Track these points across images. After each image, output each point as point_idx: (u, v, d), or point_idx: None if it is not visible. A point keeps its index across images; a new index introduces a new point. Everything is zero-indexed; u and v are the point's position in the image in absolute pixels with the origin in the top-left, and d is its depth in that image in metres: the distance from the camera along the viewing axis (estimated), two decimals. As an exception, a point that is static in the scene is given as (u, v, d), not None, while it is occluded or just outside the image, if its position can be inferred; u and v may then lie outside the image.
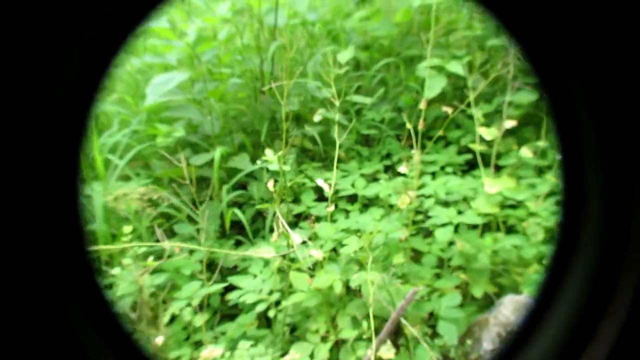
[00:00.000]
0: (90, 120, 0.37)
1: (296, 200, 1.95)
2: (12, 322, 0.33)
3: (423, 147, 2.35)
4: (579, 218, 0.39)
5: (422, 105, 1.48)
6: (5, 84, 0.30)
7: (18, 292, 0.33)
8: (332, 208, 1.24)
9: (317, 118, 2.10)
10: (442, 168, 2.09)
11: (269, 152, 1.14)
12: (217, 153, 1.61)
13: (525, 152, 1.45)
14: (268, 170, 1.37)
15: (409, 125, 1.65)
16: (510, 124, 1.52)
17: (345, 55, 2.28)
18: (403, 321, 1.00)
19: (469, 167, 2.07)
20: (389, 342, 0.94)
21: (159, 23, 2.05)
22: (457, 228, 1.63)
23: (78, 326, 0.37)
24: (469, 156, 2.02)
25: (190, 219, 1.64)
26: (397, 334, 1.03)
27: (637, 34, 0.32)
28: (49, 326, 0.35)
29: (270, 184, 1.10)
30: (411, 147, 2.39)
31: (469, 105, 1.86)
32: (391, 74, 2.46)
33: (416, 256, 1.56)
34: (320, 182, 1.23)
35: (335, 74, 2.27)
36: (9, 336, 0.33)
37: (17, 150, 0.32)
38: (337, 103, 1.46)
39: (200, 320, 1.03)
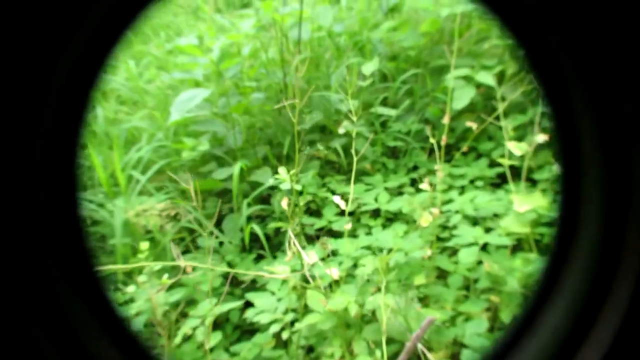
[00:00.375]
0: (85, 121, 0.36)
1: (319, 214, 1.93)
2: (14, 326, 0.33)
3: (451, 159, 2.27)
4: (578, 208, 0.39)
5: (446, 120, 1.42)
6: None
7: (17, 293, 0.33)
8: (349, 225, 1.20)
9: (341, 130, 2.07)
10: (472, 182, 2.00)
11: (281, 170, 1.12)
12: (236, 167, 1.62)
13: (549, 164, 1.35)
14: (280, 190, 1.36)
15: (432, 140, 1.60)
16: (542, 137, 1.44)
17: (370, 66, 2.25)
18: (423, 349, 0.94)
19: (502, 181, 1.97)
20: (406, 371, 0.89)
21: (189, 40, 2.12)
22: (485, 247, 1.55)
23: (81, 325, 0.37)
24: (501, 169, 1.93)
25: (213, 233, 1.65)
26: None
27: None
28: (50, 326, 0.35)
29: (284, 203, 1.08)
30: (444, 161, 2.32)
31: (498, 117, 1.78)
32: (418, 85, 2.41)
33: (442, 275, 1.49)
34: (336, 199, 1.20)
35: (358, 86, 2.25)
36: (11, 338, 0.33)
37: (12, 156, 0.32)
38: (354, 118, 1.44)
39: (214, 339, 1.03)
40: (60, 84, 0.33)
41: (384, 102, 2.40)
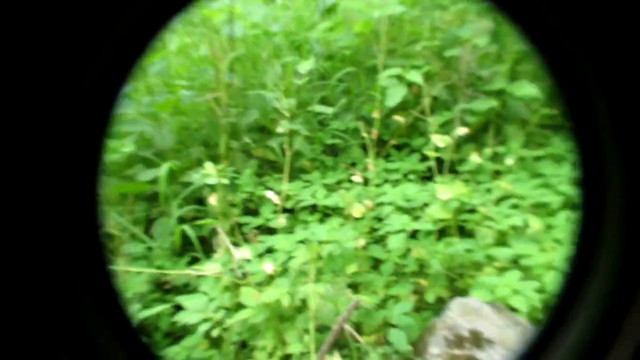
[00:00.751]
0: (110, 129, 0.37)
1: (256, 213, 1.92)
2: (26, 325, 0.33)
3: (387, 155, 2.36)
4: (597, 227, 0.38)
5: (376, 114, 1.48)
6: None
7: (30, 290, 0.33)
8: (283, 220, 1.21)
9: (280, 129, 2.08)
10: (405, 175, 2.09)
11: (208, 165, 1.10)
12: (164, 167, 1.56)
13: (475, 158, 1.46)
14: (209, 185, 1.33)
15: (365, 135, 1.65)
16: (463, 131, 1.54)
17: (306, 65, 2.28)
18: (352, 332, 0.97)
19: (432, 174, 2.08)
20: (336, 354, 0.91)
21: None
22: (415, 235, 1.63)
23: (91, 326, 0.37)
24: (431, 163, 2.03)
25: (137, 237, 1.57)
26: (347, 345, 1.00)
27: None
28: (63, 327, 0.35)
29: (213, 199, 1.06)
30: (377, 155, 2.40)
31: (428, 113, 1.88)
32: (354, 84, 2.48)
33: (376, 265, 1.54)
34: (270, 194, 1.20)
35: (295, 84, 2.27)
36: (24, 338, 0.33)
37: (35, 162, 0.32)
38: (288, 115, 1.45)
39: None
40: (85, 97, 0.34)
41: (322, 101, 2.44)
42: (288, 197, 1.93)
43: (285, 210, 1.91)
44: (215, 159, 2.11)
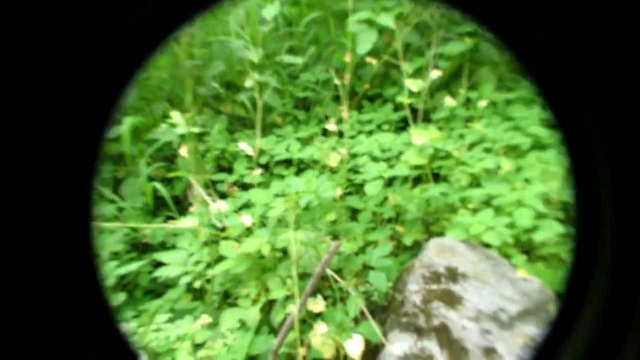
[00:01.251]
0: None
1: (230, 170, 1.87)
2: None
3: (360, 107, 2.33)
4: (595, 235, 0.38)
5: (347, 58, 1.43)
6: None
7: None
8: (257, 172, 1.18)
9: (248, 83, 1.99)
10: (379, 126, 2.08)
11: (175, 114, 1.04)
12: (126, 123, 1.48)
13: (450, 101, 1.46)
14: (179, 136, 1.28)
15: (337, 81, 1.60)
16: (436, 74, 1.52)
17: (271, 10, 2.15)
18: (334, 275, 0.98)
19: (406, 124, 2.08)
20: (319, 297, 0.93)
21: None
22: (392, 184, 1.65)
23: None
24: (405, 113, 2.02)
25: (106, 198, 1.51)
26: (330, 288, 1.02)
27: None
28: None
29: (183, 150, 1.01)
30: (350, 107, 2.36)
31: (401, 58, 1.84)
32: (323, 31, 2.38)
33: (354, 216, 1.56)
34: (243, 145, 1.16)
35: (260, 32, 2.15)
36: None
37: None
38: (254, 65, 1.37)
39: (118, 300, 0.96)
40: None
41: (290, 51, 2.34)
42: (262, 152, 1.89)
43: (259, 166, 1.87)
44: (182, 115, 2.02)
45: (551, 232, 1.11)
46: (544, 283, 0.98)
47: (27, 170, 0.32)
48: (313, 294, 0.91)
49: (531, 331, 0.82)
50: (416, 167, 1.53)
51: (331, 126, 1.38)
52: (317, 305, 0.87)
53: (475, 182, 1.42)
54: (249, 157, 1.90)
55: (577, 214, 0.38)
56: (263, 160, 1.88)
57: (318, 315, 0.90)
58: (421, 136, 1.32)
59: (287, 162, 1.91)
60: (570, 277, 0.40)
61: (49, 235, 0.34)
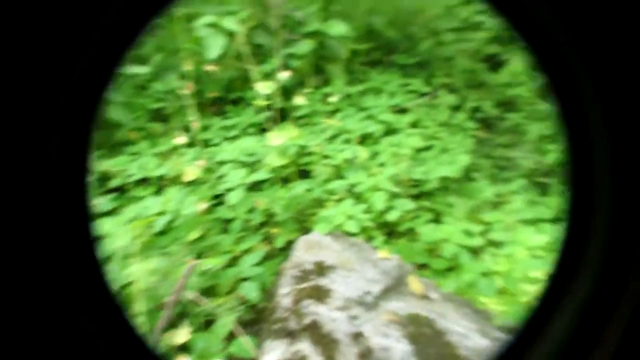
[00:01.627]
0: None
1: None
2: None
3: (223, 112, 2.24)
4: (586, 228, 0.38)
5: (187, 66, 1.35)
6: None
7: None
8: (100, 200, 1.03)
9: None
10: (244, 130, 2.03)
11: None
12: None
13: (300, 100, 1.48)
14: None
15: (186, 91, 1.51)
16: (285, 74, 1.54)
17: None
18: (197, 297, 0.91)
19: (271, 124, 2.07)
20: (185, 325, 0.85)
21: None
22: (261, 187, 1.62)
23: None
24: (267, 114, 2.01)
25: None
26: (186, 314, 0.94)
27: None
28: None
29: None
30: (215, 114, 2.25)
31: (252, 62, 1.82)
32: (168, 37, 2.22)
33: (227, 226, 1.49)
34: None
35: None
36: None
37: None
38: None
39: None
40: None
41: (135, 60, 2.13)
42: (112, 175, 1.68)
43: (113, 190, 1.66)
44: None
45: (403, 210, 1.21)
46: (402, 258, 1.06)
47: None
48: (175, 323, 0.82)
49: (392, 306, 0.87)
50: (283, 167, 1.53)
51: (179, 139, 1.28)
52: (180, 336, 0.79)
53: (338, 173, 1.48)
54: (97, 182, 1.67)
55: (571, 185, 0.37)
56: (116, 182, 1.67)
57: (183, 347, 0.82)
58: (279, 137, 1.31)
59: (145, 181, 1.74)
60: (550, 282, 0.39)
61: (47, 224, 0.34)
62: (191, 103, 1.52)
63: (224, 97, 2.30)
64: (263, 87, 1.46)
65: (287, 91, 1.92)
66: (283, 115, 1.86)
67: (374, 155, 1.65)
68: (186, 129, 2.17)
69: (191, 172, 1.25)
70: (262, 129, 2.10)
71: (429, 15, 2.42)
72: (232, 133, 2.02)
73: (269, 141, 1.38)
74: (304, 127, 1.88)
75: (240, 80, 2.32)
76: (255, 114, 2.13)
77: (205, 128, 2.09)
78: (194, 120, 1.44)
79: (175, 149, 1.97)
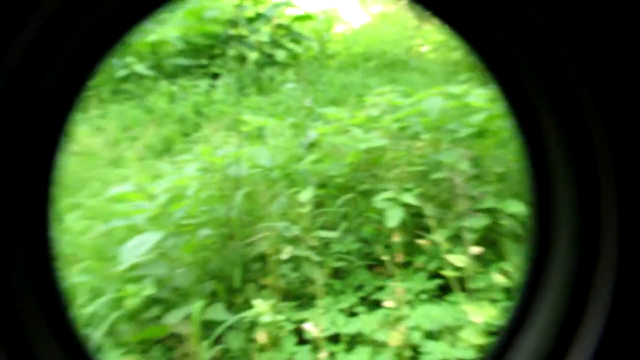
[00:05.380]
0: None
1: (275, 346, 1.83)
2: None
3: (392, 275, 2.41)
4: (549, 229, 0.40)
5: (396, 238, 1.59)
6: None
7: None
8: (324, 355, 1.19)
9: (284, 256, 2.14)
10: (417, 295, 2.12)
11: (259, 303, 1.12)
12: (195, 306, 1.53)
13: (496, 277, 1.56)
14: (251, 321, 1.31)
15: (384, 257, 1.72)
16: (476, 250, 1.66)
17: (306, 194, 2.46)
18: None
19: (442, 292, 2.12)
20: None
21: (124, 188, 2.13)
22: None
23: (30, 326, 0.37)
24: (440, 281, 2.09)
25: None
26: None
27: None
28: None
29: (262, 336, 1.05)
30: (380, 275, 2.43)
31: (428, 231, 2.02)
32: (351, 207, 2.65)
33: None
34: (308, 326, 1.20)
35: (299, 212, 2.40)
36: None
37: None
38: (296, 241, 1.52)
39: None
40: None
41: (324, 227, 2.56)
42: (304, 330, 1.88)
43: (305, 342, 1.83)
44: (228, 293, 2.08)
45: None
46: None
47: None
48: None
49: None
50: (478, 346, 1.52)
51: (388, 303, 1.44)
52: None
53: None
54: (294, 332, 1.87)
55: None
56: (308, 335, 1.85)
57: None
58: (478, 314, 1.37)
59: (334, 338, 1.88)
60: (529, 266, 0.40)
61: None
62: (389, 267, 1.72)
63: (391, 261, 2.50)
64: (454, 259, 1.60)
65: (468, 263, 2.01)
66: (457, 285, 1.91)
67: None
68: (359, 288, 2.36)
69: (395, 336, 1.35)
70: (433, 295, 2.17)
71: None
72: (406, 297, 2.13)
73: (462, 313, 1.44)
74: (495, 302, 1.85)
75: (410, 246, 2.53)
76: (426, 280, 2.23)
77: (379, 289, 2.25)
78: (394, 284, 1.60)
79: (353, 306, 2.13)
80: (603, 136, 0.35)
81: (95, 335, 1.33)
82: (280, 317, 1.17)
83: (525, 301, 0.43)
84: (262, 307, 1.13)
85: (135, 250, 1.50)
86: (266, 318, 1.14)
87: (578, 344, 0.38)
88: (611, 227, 0.36)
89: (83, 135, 3.74)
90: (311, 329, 1.25)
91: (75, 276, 1.70)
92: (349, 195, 2.63)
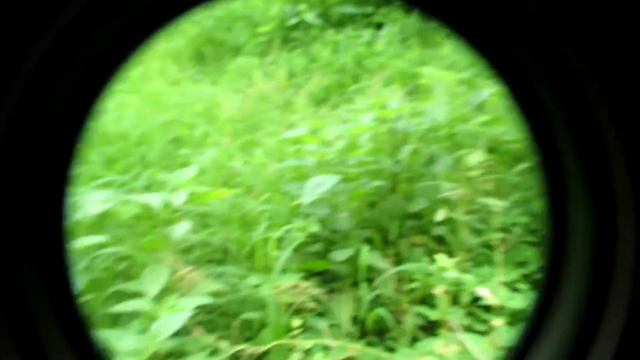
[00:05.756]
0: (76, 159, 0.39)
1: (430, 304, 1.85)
2: None
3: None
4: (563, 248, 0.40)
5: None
6: None
7: None
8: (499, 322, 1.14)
9: (439, 217, 2.09)
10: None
11: (442, 258, 1.13)
12: (363, 250, 1.66)
13: None
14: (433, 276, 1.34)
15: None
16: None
17: (475, 157, 2.31)
18: None
19: None
20: None
21: (299, 132, 2.34)
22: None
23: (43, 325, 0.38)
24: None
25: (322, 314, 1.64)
26: None
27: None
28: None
29: (440, 290, 1.07)
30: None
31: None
32: (525, 178, 2.39)
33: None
34: (484, 291, 1.17)
35: (465, 175, 2.28)
36: None
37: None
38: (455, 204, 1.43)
39: None
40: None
41: (490, 194, 2.39)
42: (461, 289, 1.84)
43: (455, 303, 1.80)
44: (384, 243, 2.17)
45: None
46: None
47: None
48: None
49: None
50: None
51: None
52: None
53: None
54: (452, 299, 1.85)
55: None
56: (464, 297, 1.81)
57: None
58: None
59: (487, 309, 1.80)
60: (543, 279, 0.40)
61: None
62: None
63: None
64: None
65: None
66: None
67: None
68: (520, 265, 2.16)
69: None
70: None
71: None
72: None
73: None
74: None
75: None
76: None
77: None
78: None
79: (514, 282, 1.98)
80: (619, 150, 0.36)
81: (282, 256, 1.56)
82: (465, 276, 1.17)
83: (537, 318, 0.44)
84: (445, 263, 1.14)
85: (315, 189, 1.67)
86: (450, 274, 1.15)
87: None
88: (628, 238, 0.37)
89: (258, 80, 4.17)
90: (487, 294, 1.21)
91: (259, 205, 1.99)
92: (524, 164, 2.36)
